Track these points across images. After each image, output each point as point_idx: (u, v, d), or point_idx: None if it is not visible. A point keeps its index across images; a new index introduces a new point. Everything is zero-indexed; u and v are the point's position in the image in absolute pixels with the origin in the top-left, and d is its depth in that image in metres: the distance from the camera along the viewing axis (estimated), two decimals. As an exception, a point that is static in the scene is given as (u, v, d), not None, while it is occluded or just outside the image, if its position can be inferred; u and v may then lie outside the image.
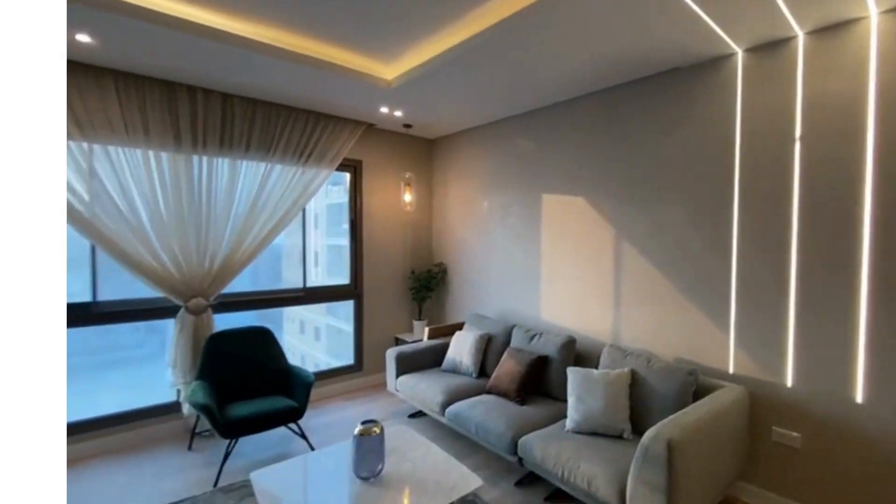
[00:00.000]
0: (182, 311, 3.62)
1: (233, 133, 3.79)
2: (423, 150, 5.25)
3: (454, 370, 3.97)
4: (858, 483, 2.42)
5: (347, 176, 4.79)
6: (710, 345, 2.97)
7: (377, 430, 2.36)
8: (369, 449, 2.34)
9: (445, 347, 4.21)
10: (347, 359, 4.91)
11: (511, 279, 4.37)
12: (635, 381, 2.91)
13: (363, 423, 2.38)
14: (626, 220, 3.39)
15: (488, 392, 3.53)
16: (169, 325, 3.68)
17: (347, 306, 4.92)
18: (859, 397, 2.41)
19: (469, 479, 2.39)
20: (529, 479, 3.08)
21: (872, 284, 2.35)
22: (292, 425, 3.56)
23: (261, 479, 2.36)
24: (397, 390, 4.01)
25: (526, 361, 3.44)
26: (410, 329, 5.18)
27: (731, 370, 2.89)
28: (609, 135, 3.48)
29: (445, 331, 4.53)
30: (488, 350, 3.94)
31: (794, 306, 2.61)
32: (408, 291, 5.14)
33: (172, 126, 3.51)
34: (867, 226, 2.36)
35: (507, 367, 3.51)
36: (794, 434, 2.64)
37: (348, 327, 4.98)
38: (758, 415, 2.78)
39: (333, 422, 4.03)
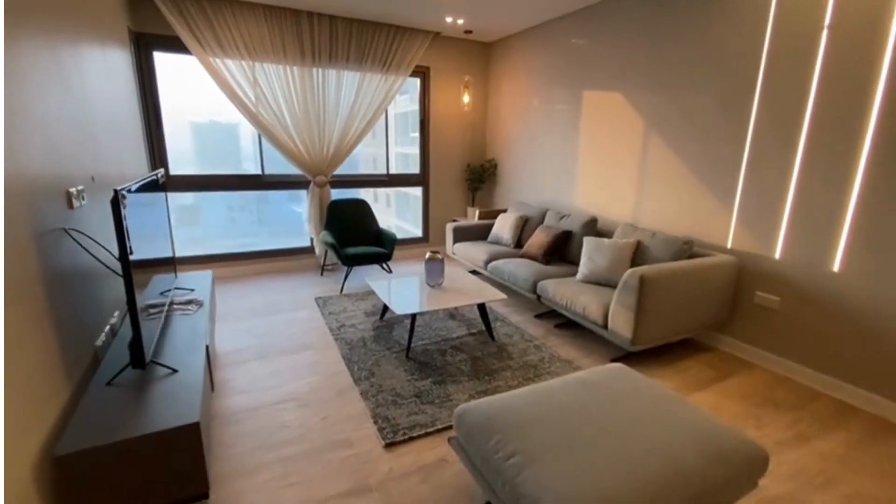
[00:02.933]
0: (311, 184, 4.57)
1: (338, 49, 4.35)
2: (480, 54, 5.25)
3: (497, 242, 4.36)
4: (826, 340, 2.57)
5: (418, 81, 5.02)
6: (715, 224, 3.07)
7: (439, 256, 3.10)
8: (434, 268, 3.09)
9: (491, 226, 4.59)
10: (418, 232, 5.48)
11: (551, 170, 4.52)
12: (639, 249, 3.13)
13: (431, 251, 3.13)
14: (657, 111, 3.37)
15: (521, 257, 3.90)
16: (303, 195, 4.75)
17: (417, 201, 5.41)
18: (836, 267, 2.48)
19: (495, 293, 2.94)
20: (546, 314, 3.56)
21: (871, 155, 2.30)
22: (384, 265, 4.56)
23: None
24: (454, 254, 4.51)
25: (553, 234, 3.73)
26: (465, 214, 5.58)
27: (729, 245, 3.00)
28: (655, 33, 3.35)
29: (492, 214, 4.92)
30: (525, 228, 4.26)
31: (795, 182, 2.61)
32: (464, 182, 5.48)
33: (299, 46, 4.18)
34: (878, 99, 2.25)
35: (537, 239, 3.83)
36: (774, 298, 2.77)
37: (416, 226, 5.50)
38: (744, 281, 2.92)
39: (410, 271, 4.65)
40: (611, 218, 3.85)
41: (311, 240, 4.73)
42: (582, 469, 1.31)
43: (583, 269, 3.23)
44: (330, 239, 3.95)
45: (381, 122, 4.97)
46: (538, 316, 3.53)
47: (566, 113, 4.23)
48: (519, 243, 4.27)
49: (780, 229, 2.70)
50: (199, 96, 4.57)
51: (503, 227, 4.33)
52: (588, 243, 3.28)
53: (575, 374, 1.87)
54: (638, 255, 3.12)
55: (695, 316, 2.78)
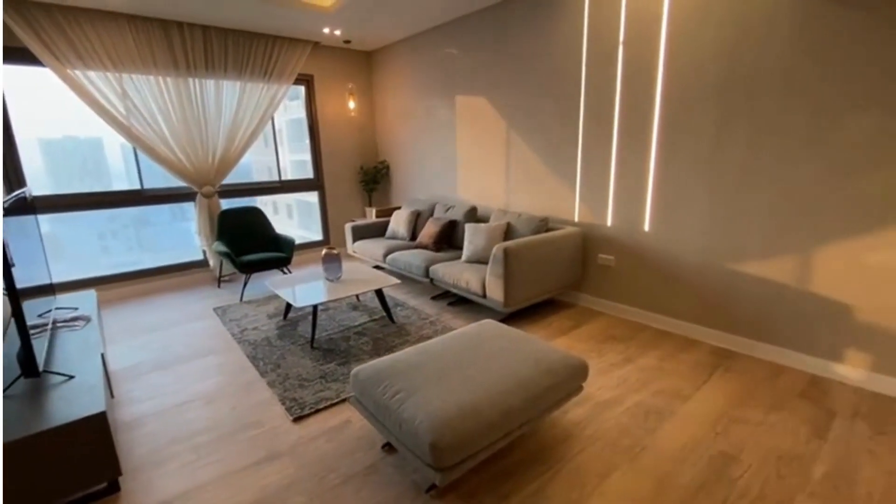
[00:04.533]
0: (198, 195, 4.45)
1: (213, 59, 4.32)
2: (362, 62, 5.55)
3: (394, 237, 4.70)
4: (646, 285, 3.31)
5: (303, 89, 5.15)
6: (564, 203, 3.72)
7: (335, 251, 3.34)
8: (331, 263, 3.31)
9: (388, 223, 4.91)
10: (318, 236, 5.60)
11: (436, 168, 4.98)
12: (509, 229, 3.68)
13: (327, 247, 3.36)
14: (514, 114, 3.97)
15: (416, 248, 4.28)
16: (190, 209, 4.58)
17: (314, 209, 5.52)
18: (647, 227, 3.21)
19: (389, 279, 3.28)
20: (440, 295, 3.99)
21: (658, 140, 3.04)
22: (285, 269, 4.58)
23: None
24: (355, 252, 4.76)
25: (441, 225, 4.18)
26: (364, 214, 5.84)
27: (576, 219, 3.67)
28: (506, 44, 3.93)
29: (388, 212, 5.27)
30: (418, 221, 4.66)
31: (614, 166, 3.32)
32: (359, 184, 5.74)
33: (171, 56, 4.09)
34: (657, 105, 3.00)
35: (428, 230, 4.25)
36: (611, 257, 3.48)
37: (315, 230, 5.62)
38: (589, 246, 3.60)
39: (311, 272, 4.79)
40: (487, 205, 4.41)
41: (204, 252, 4.64)
42: (449, 392, 1.70)
43: (466, 251, 3.71)
44: (223, 248, 3.97)
45: (272, 129, 5.03)
46: (434, 298, 3.94)
47: (444, 116, 4.71)
48: (413, 236, 4.65)
49: (609, 203, 3.41)
50: (51, 111, 4.23)
51: (398, 222, 4.69)
52: (469, 229, 3.77)
53: (452, 332, 2.28)
54: (508, 234, 3.67)
55: (553, 278, 3.39)
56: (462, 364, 1.91)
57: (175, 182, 4.35)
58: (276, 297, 4.04)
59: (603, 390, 2.41)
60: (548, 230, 3.57)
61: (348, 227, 4.79)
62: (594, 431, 2.07)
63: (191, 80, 4.19)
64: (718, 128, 2.73)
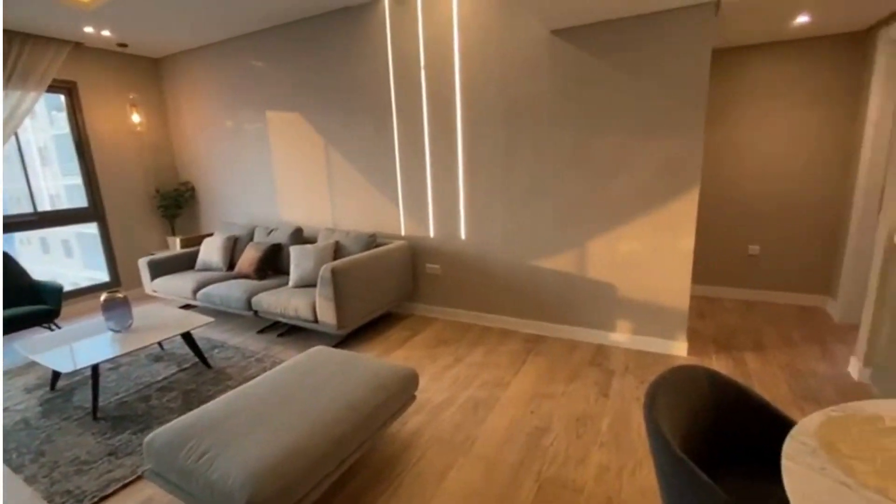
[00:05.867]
0: None
1: None
2: (148, 70, 4.81)
3: (206, 268, 4.14)
4: (469, 287, 3.60)
5: (63, 98, 4.17)
6: (390, 218, 3.81)
7: (120, 294, 2.71)
8: (115, 310, 2.69)
9: (198, 253, 4.30)
10: (105, 277, 4.56)
11: (253, 188, 4.59)
12: (338, 248, 3.60)
13: (108, 291, 2.71)
14: (332, 131, 3.91)
15: (234, 277, 3.84)
16: None
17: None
18: (463, 235, 3.51)
19: (200, 318, 2.84)
20: (269, 327, 3.65)
21: (464, 161, 3.36)
22: (53, 325, 3.57)
23: (25, 349, 2.43)
24: (155, 291, 4.01)
25: (262, 249, 3.84)
26: (165, 245, 5.01)
27: (403, 233, 3.79)
28: (316, 58, 3.85)
29: (197, 240, 4.63)
30: (236, 248, 4.20)
31: (430, 181, 3.54)
32: (156, 210, 4.90)
33: None
34: (459, 127, 3.32)
35: (248, 256, 3.86)
36: (437, 266, 3.69)
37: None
38: (417, 258, 3.77)
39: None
40: (314, 225, 4.24)
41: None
42: (271, 435, 1.55)
43: (293, 275, 3.49)
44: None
45: (17, 148, 3.90)
46: (261, 331, 3.58)
47: (256, 132, 4.37)
48: (231, 265, 4.17)
49: (430, 216, 3.63)
50: None
51: (211, 251, 4.14)
52: (295, 252, 3.55)
53: (279, 367, 2.10)
54: (338, 253, 3.59)
55: (387, 292, 3.44)
56: (288, 400, 1.77)
57: None
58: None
59: (438, 393, 2.53)
60: (377, 245, 3.61)
61: (143, 262, 4.01)
62: (431, 435, 2.15)
63: None
64: (508, 148, 3.17)
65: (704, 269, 4.03)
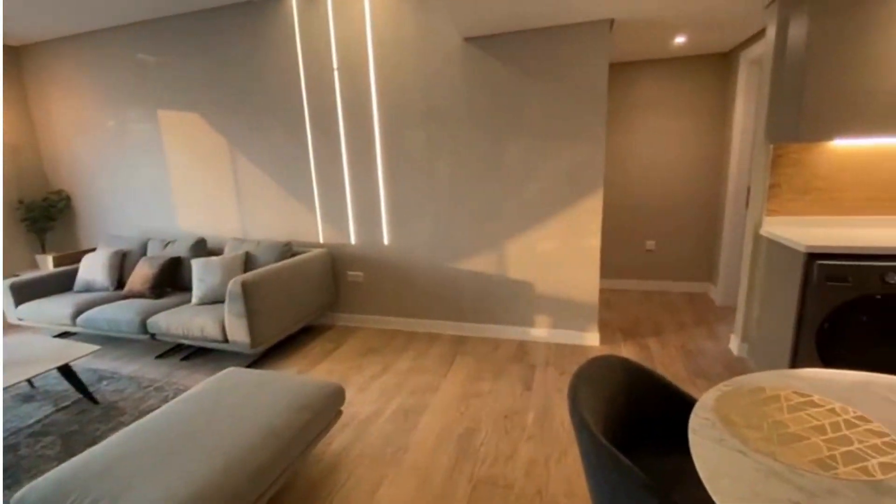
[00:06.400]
0: None
1: None
2: (6, 60, 4.11)
3: (88, 288, 3.60)
4: (393, 293, 3.53)
5: None
6: (307, 225, 3.63)
7: None
8: None
9: (77, 271, 3.73)
10: (-55, 310, 3.77)
11: (145, 196, 4.11)
12: (248, 259, 3.34)
13: None
14: (238, 132, 3.62)
15: (125, 297, 3.39)
16: None
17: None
18: (386, 241, 3.44)
19: (82, 348, 2.45)
20: (170, 351, 3.27)
21: (384, 166, 3.30)
22: None
23: None
24: (20, 319, 3.40)
25: (158, 265, 3.44)
26: (35, 265, 4.29)
27: (321, 240, 3.62)
28: (216, 56, 3.54)
29: (76, 256, 4.03)
30: (124, 264, 3.72)
31: (349, 185, 3.43)
32: (21, 224, 4.18)
33: None
34: (377, 130, 3.25)
35: (140, 273, 3.43)
36: (359, 273, 3.58)
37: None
38: (338, 266, 3.62)
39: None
40: (220, 235, 3.90)
41: None
42: (177, 475, 1.37)
43: (196, 291, 3.16)
44: None
45: None
46: (160, 356, 3.20)
47: (146, 133, 3.91)
48: (120, 283, 3.68)
49: (350, 222, 3.52)
50: None
51: (93, 268, 3.61)
52: (197, 265, 3.23)
53: (183, 395, 1.88)
54: (248, 264, 3.33)
55: (305, 304, 3.26)
56: (196, 432, 1.58)
57: None
58: None
59: (365, 405, 2.44)
60: (293, 255, 3.41)
61: (4, 285, 3.38)
62: (361, 450, 2.07)
63: None
64: (429, 152, 3.17)
65: (609, 264, 4.38)
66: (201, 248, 3.64)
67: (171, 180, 3.94)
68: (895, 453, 0.86)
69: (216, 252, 3.71)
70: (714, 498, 0.80)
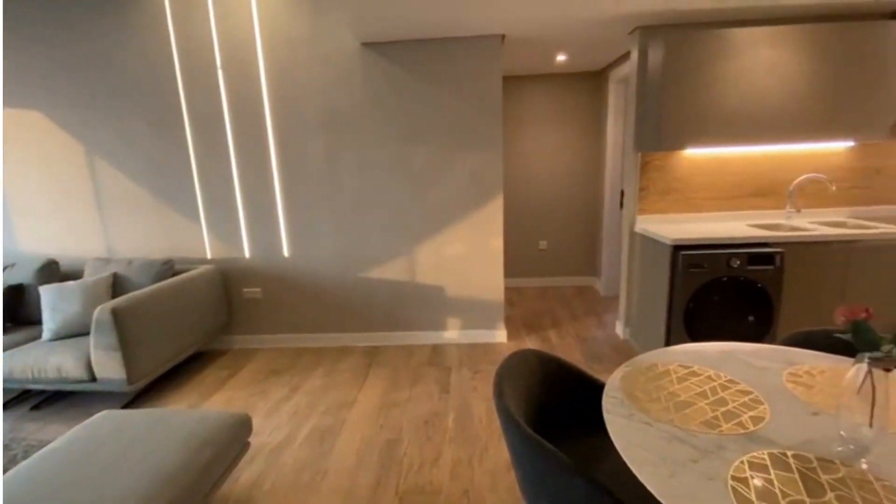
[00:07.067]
0: None
1: None
2: None
3: None
4: (297, 309, 3.31)
5: None
6: (190, 239, 3.24)
7: None
8: None
9: None
10: None
11: (-34, 215, 3.30)
12: (117, 282, 2.87)
13: None
14: (97, 135, 3.11)
15: (-60, 341, 2.68)
16: None
17: None
18: (286, 253, 3.22)
19: None
20: (16, 399, 2.67)
21: (280, 173, 3.09)
22: None
23: None
24: None
25: (-9, 295, 2.78)
26: None
27: (209, 255, 3.26)
28: (67, 47, 2.99)
29: None
30: (-62, 298, 2.94)
31: (240, 192, 3.14)
32: None
33: None
34: (271, 136, 3.04)
35: (-37, 307, 2.74)
36: (257, 290, 3.30)
37: None
38: (230, 283, 3.30)
39: None
40: (78, 255, 3.30)
41: None
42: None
43: (49, 324, 2.62)
44: None
45: None
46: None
47: (-38, 134, 3.15)
48: (-69, 323, 2.90)
49: (243, 233, 3.23)
50: None
51: None
52: (48, 292, 2.68)
53: (42, 450, 1.54)
54: (117, 288, 2.86)
55: (194, 329, 2.90)
56: (63, 495, 1.31)
57: None
58: None
59: (275, 432, 2.25)
60: (175, 273, 3.02)
61: None
62: (273, 483, 1.90)
63: None
64: (330, 159, 3.05)
65: (509, 263, 4.65)
66: (52, 271, 3.03)
67: (2, 191, 3.23)
68: (760, 407, 1.05)
69: (73, 276, 3.12)
70: (631, 467, 0.89)
